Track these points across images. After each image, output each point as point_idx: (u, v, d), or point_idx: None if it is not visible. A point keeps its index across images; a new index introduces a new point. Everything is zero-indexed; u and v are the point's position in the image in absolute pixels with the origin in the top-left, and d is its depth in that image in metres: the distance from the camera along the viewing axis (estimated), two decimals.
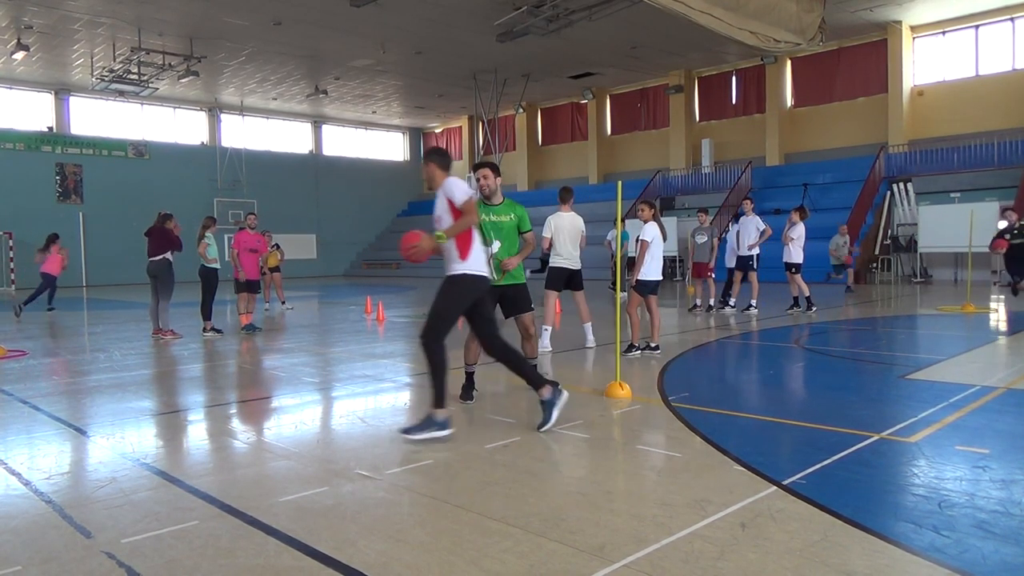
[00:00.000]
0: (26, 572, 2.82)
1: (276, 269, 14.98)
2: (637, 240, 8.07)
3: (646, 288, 7.95)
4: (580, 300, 8.74)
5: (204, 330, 10.61)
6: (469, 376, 5.85)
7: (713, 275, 12.80)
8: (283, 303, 15.04)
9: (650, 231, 7.83)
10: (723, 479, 3.74)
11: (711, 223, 14.13)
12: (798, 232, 11.96)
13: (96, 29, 21.04)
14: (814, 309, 11.97)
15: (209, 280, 10.87)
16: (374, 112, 34.37)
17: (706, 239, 12.93)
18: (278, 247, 15.25)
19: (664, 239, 7.97)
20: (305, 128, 35.46)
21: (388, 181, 38.36)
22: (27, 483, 3.93)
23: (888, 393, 6.04)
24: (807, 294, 11.98)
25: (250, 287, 11.24)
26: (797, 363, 7.84)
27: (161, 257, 10.37)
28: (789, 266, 11.98)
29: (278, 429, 5.16)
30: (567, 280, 8.45)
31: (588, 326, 8.84)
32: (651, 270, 7.91)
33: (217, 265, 10.92)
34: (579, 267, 8.48)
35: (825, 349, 8.67)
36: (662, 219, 8.40)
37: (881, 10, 21.42)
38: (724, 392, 6.37)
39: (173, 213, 10.87)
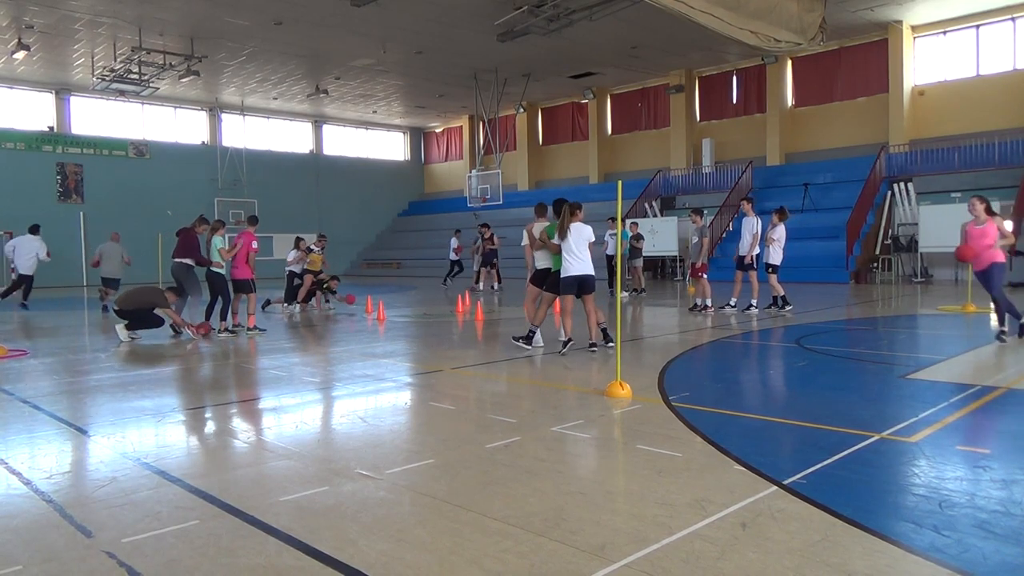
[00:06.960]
0: (27, 571, 2.82)
1: (316, 273, 14.78)
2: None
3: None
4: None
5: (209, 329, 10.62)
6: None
7: (705, 275, 12.81)
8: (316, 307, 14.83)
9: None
10: (723, 479, 3.74)
11: (710, 224, 14.11)
12: (779, 233, 12.03)
13: (97, 29, 21.04)
14: (788, 308, 12.08)
15: (215, 283, 10.84)
16: (375, 112, 34.35)
17: (697, 240, 12.96)
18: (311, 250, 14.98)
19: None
20: (306, 128, 35.45)
21: (389, 181, 38.37)
22: (28, 482, 3.93)
23: (889, 393, 6.04)
24: (781, 294, 12.11)
25: (249, 287, 11.22)
26: (797, 363, 7.84)
27: (183, 261, 10.68)
28: (768, 266, 12.06)
29: (279, 429, 5.16)
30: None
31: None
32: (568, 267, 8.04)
33: (223, 269, 10.89)
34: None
35: (826, 349, 8.66)
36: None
37: (882, 10, 21.40)
38: (724, 392, 6.36)
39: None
